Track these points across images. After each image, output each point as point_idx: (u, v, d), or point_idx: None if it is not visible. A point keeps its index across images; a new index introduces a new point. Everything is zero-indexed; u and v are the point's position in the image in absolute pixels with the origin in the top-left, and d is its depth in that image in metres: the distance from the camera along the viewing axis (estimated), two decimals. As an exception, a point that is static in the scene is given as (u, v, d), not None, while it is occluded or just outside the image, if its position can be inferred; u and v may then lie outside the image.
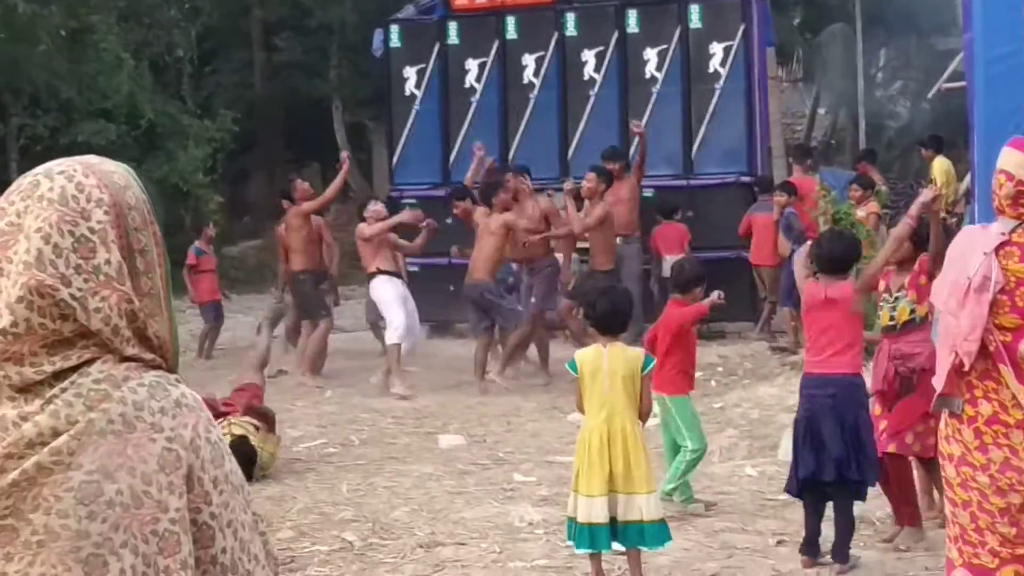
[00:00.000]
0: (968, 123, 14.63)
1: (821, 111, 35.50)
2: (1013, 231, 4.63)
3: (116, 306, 1.94)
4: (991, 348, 4.62)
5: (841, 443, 7.15)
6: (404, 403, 13.10)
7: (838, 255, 7.51)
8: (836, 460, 7.14)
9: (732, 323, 15.99)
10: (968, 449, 4.70)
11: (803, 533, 7.44)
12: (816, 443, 7.23)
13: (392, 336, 13.70)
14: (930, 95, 26.77)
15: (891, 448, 7.47)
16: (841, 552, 7.21)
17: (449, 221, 16.70)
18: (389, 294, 13.96)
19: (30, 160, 21.77)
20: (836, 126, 35.10)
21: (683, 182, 17.32)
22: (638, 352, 7.15)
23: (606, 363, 6.91)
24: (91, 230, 1.95)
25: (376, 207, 14.80)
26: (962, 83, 16.13)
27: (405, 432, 11.73)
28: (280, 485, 9.80)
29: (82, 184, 1.97)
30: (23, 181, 1.99)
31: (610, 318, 7.06)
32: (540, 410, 12.55)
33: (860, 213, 14.16)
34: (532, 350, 14.44)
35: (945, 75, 22.15)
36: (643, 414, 6.98)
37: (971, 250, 4.66)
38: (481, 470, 10.15)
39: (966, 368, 4.66)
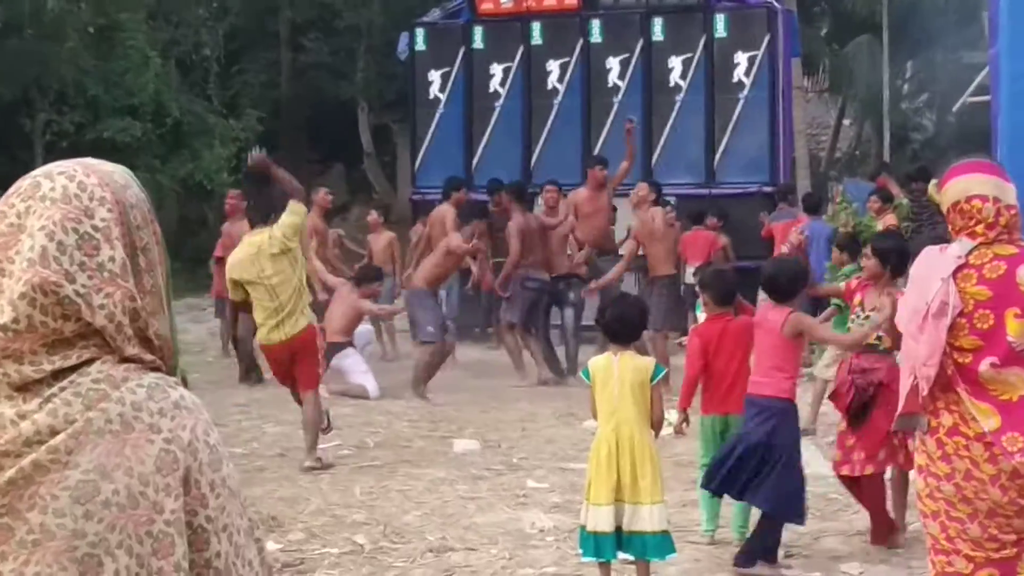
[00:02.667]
0: (992, 137, 14.60)
1: (846, 122, 35.45)
2: (970, 253, 4.64)
3: (120, 303, 1.95)
4: (948, 372, 4.65)
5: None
6: (420, 406, 13.11)
7: (781, 283, 7.60)
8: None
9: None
10: (932, 459, 4.72)
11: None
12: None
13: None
14: (955, 108, 26.72)
15: (869, 470, 7.63)
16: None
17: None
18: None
19: (56, 156, 21.76)
20: (861, 138, 35.05)
21: (705, 191, 17.31)
22: (648, 361, 7.11)
23: (616, 371, 6.90)
24: (95, 227, 1.96)
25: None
26: (987, 97, 16.09)
27: (420, 436, 11.73)
28: (293, 487, 9.81)
29: (84, 183, 1.98)
30: (22, 183, 2.00)
31: (617, 326, 7.05)
32: (556, 416, 12.53)
33: (880, 225, 14.14)
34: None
35: (970, 89, 22.11)
36: (655, 424, 6.96)
37: (929, 274, 4.68)
38: (495, 475, 10.14)
39: (924, 393, 4.70)
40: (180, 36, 26.06)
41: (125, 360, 1.95)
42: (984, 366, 4.62)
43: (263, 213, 10.73)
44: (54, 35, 22.78)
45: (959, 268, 4.66)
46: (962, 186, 4.74)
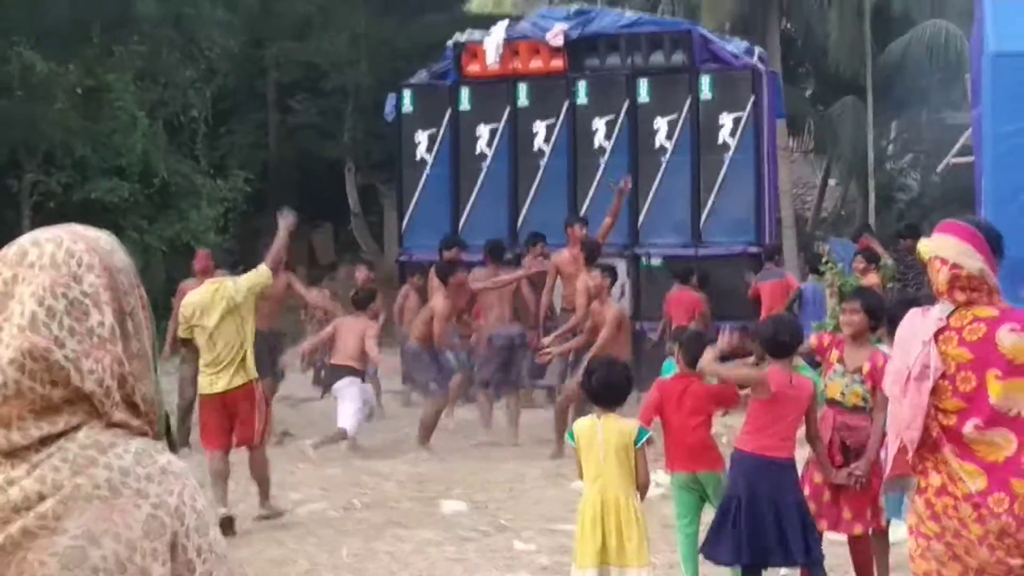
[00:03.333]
0: (976, 198, 14.68)
1: (832, 182, 35.58)
2: (950, 315, 4.68)
3: (109, 368, 1.96)
4: (934, 434, 4.67)
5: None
6: (407, 467, 13.08)
7: (784, 339, 7.55)
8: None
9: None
10: (922, 519, 4.75)
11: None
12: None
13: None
14: (939, 169, 26.88)
15: (858, 531, 7.64)
16: None
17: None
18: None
19: (43, 216, 21.88)
20: (847, 197, 35.17)
21: (691, 251, 17.36)
22: (632, 424, 7.12)
23: (600, 434, 6.92)
24: (84, 293, 1.97)
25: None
26: (970, 158, 16.20)
27: (407, 496, 11.70)
28: (281, 548, 9.78)
29: (71, 249, 2.00)
30: (8, 251, 2.01)
31: (602, 390, 7.08)
32: (545, 476, 12.51)
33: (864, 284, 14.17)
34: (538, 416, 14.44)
35: (954, 150, 22.25)
36: (640, 487, 6.96)
37: (912, 337, 4.71)
38: (482, 536, 10.11)
39: (910, 454, 4.72)
40: (168, 97, 26.11)
41: (112, 425, 1.97)
42: (968, 428, 4.64)
43: (230, 263, 10.79)
44: (42, 96, 22.82)
45: (940, 330, 4.69)
46: (932, 245, 4.80)
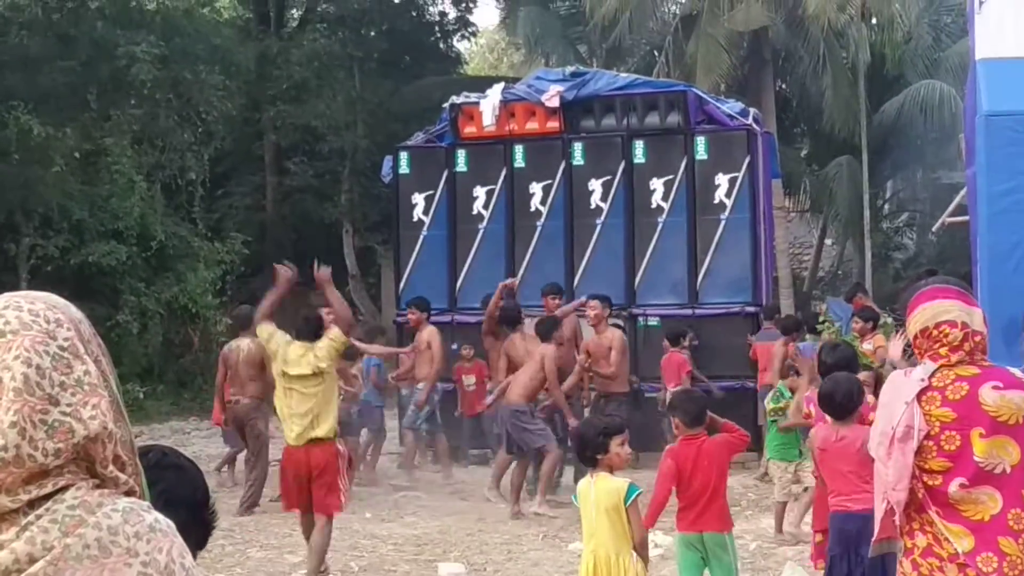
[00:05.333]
0: (972, 257, 14.70)
1: (828, 242, 35.72)
2: (932, 375, 4.69)
3: (108, 411, 1.97)
4: (919, 495, 4.68)
5: None
6: (405, 530, 13.03)
7: (837, 399, 7.57)
8: None
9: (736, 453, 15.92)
10: None
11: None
12: None
13: None
14: (934, 229, 26.97)
15: None
16: None
17: (455, 346, 16.85)
18: None
19: (40, 280, 21.92)
20: (843, 257, 35.29)
21: (688, 311, 17.38)
22: (622, 483, 7.08)
23: (592, 494, 6.93)
24: (61, 347, 1.99)
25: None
26: (965, 217, 16.25)
27: (405, 559, 11.64)
28: (277, 611, 9.73)
29: (33, 310, 2.02)
30: None
31: (578, 449, 7.14)
32: (542, 538, 12.46)
33: (867, 347, 14.13)
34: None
35: (949, 209, 22.32)
36: (636, 545, 6.94)
37: (896, 399, 4.73)
38: (480, 599, 10.06)
39: (897, 516, 4.72)
40: (166, 160, 26.23)
41: (100, 485, 1.97)
42: (954, 487, 4.64)
43: (311, 335, 11.03)
44: (40, 160, 22.93)
45: (923, 391, 4.70)
46: (931, 312, 4.81)
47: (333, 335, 10.91)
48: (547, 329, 14.17)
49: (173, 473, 2.95)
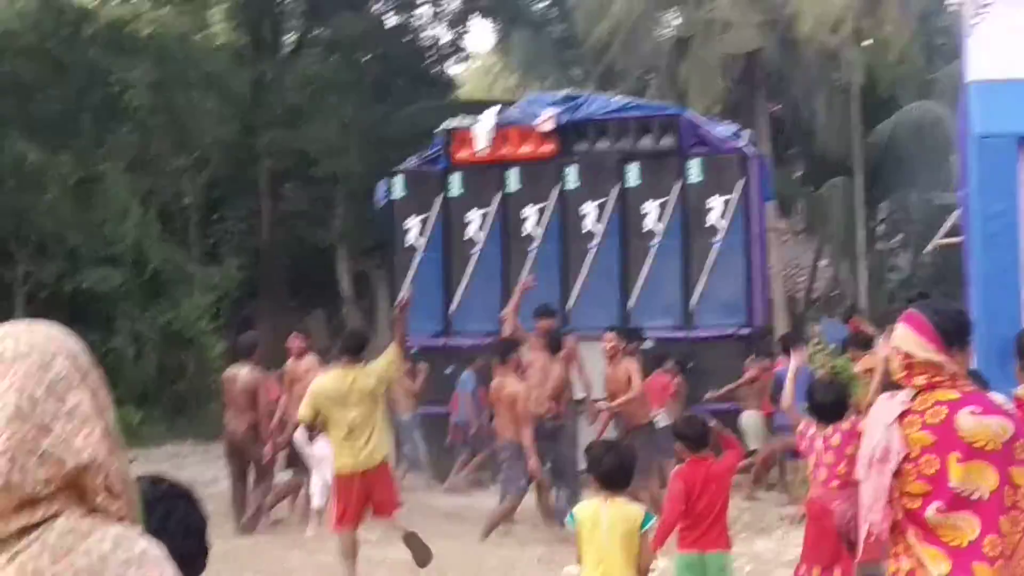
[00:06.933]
0: (965, 278, 14.71)
1: (823, 263, 35.73)
2: (914, 399, 4.71)
3: (100, 441, 1.97)
4: (898, 517, 4.69)
5: None
6: (400, 554, 12.98)
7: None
8: None
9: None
10: None
11: None
12: None
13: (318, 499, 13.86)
14: (927, 250, 27.00)
15: None
16: None
17: (448, 371, 16.85)
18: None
19: (35, 306, 21.92)
20: (838, 278, 35.30)
21: (683, 334, 17.38)
22: (638, 509, 7.07)
23: (605, 519, 6.87)
24: (57, 376, 1.99)
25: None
26: (957, 239, 16.27)
27: (400, 584, 11.62)
28: (272, 637, 9.70)
29: (30, 340, 2.02)
30: None
31: (616, 474, 7.03)
32: (537, 561, 12.43)
33: (859, 368, 14.13)
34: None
35: (942, 230, 22.35)
36: (642, 572, 6.92)
37: (879, 421, 4.75)
38: (475, 623, 10.03)
39: (872, 539, 4.74)
40: (160, 185, 26.25)
41: (91, 512, 1.97)
42: (931, 511, 4.64)
43: (355, 350, 11.26)
44: (34, 186, 22.94)
45: (904, 414, 4.71)
46: (895, 333, 4.86)
47: (390, 355, 11.18)
48: (504, 351, 13.86)
49: (185, 502, 2.97)
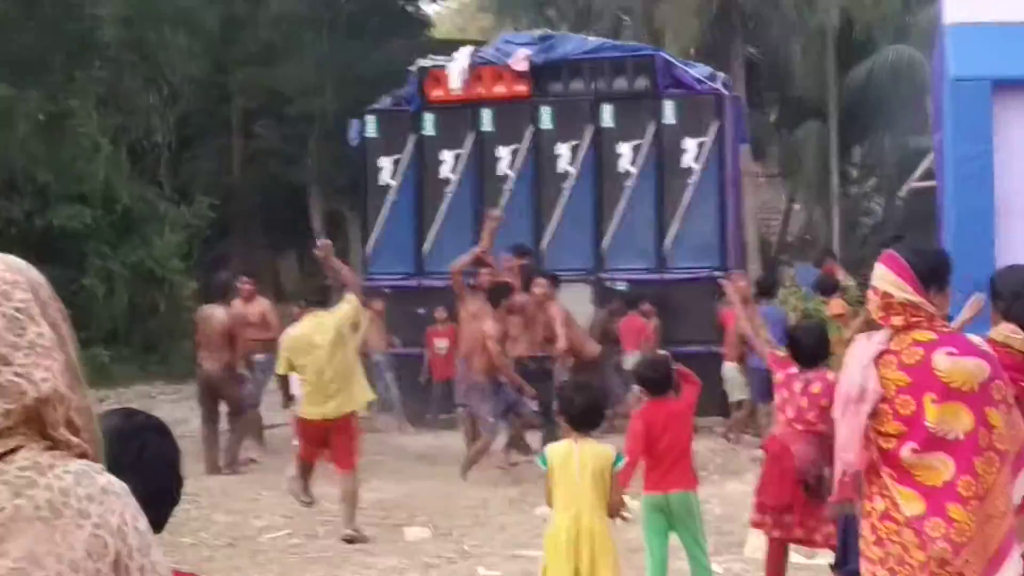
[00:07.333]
0: (938, 221, 14.73)
1: (796, 207, 35.80)
2: (890, 340, 4.70)
3: (61, 374, 1.94)
4: (873, 456, 4.70)
5: None
6: (371, 494, 13.00)
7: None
8: None
9: (702, 418, 15.92)
10: (867, 544, 4.77)
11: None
12: None
13: None
14: (901, 193, 27.06)
15: (776, 533, 7.87)
16: None
17: (421, 311, 16.81)
18: None
19: (5, 243, 21.74)
20: (811, 222, 35.37)
21: (656, 276, 17.38)
22: (609, 448, 7.10)
23: (577, 459, 6.87)
24: (17, 309, 1.95)
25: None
26: (932, 182, 16.30)
27: (371, 524, 11.62)
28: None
29: None
30: None
31: (588, 414, 7.03)
32: (508, 503, 12.47)
33: (830, 312, 14.15)
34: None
35: (916, 174, 22.40)
36: (612, 510, 6.94)
37: (855, 361, 4.75)
38: (446, 563, 10.06)
39: (847, 478, 4.75)
40: (131, 123, 26.03)
41: (51, 447, 1.94)
42: (906, 451, 4.65)
43: (316, 299, 11.70)
44: (3, 123, 22.72)
45: (881, 354, 4.71)
46: (873, 274, 4.84)
47: (348, 298, 11.33)
48: (498, 296, 13.96)
49: (158, 435, 2.96)
